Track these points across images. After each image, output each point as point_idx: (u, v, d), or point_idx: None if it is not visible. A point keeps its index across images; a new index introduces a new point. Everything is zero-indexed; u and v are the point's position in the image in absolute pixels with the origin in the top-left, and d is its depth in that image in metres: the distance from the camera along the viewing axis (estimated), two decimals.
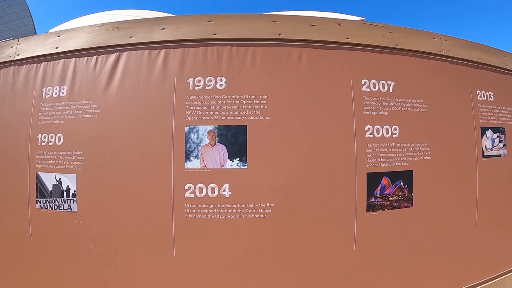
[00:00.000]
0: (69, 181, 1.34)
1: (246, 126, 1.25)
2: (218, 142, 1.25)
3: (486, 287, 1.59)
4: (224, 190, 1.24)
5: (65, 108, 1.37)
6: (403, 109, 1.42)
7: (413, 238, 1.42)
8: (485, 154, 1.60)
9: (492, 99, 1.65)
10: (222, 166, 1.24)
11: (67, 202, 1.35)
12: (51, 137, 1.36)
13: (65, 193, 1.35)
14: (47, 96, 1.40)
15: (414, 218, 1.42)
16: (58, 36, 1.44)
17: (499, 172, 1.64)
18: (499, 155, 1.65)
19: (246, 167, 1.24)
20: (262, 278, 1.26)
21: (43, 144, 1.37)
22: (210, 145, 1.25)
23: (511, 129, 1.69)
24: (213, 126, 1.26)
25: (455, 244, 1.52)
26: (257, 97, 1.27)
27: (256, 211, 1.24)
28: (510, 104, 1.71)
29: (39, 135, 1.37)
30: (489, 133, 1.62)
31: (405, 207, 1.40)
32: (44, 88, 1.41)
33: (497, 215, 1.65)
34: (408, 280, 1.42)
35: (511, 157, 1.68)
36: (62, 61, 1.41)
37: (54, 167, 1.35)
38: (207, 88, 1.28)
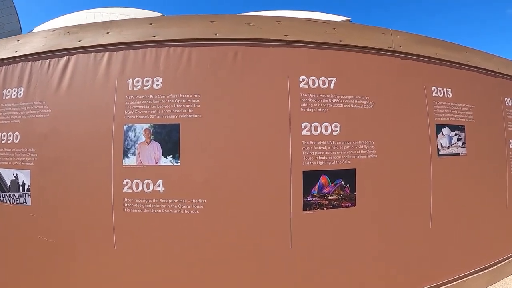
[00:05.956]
0: (24, 177, 1.44)
1: (179, 124, 1.29)
2: (153, 139, 1.30)
3: None
4: (159, 186, 1.28)
5: (22, 109, 1.47)
6: (345, 106, 1.40)
7: (356, 238, 1.40)
8: (440, 152, 1.54)
9: (450, 96, 1.59)
10: (157, 162, 1.29)
11: (23, 196, 1.44)
12: (10, 135, 1.47)
13: (21, 187, 1.45)
14: (7, 98, 1.50)
15: (357, 217, 1.40)
16: (18, 40, 1.54)
17: (457, 172, 1.58)
18: (458, 154, 1.59)
19: (179, 164, 1.28)
20: (194, 273, 1.29)
21: (2, 142, 1.47)
22: (146, 143, 1.30)
23: (472, 126, 1.62)
24: (149, 124, 1.30)
25: (407, 245, 1.48)
26: (191, 96, 1.30)
27: (189, 206, 1.27)
28: (471, 101, 1.63)
29: None
30: (445, 130, 1.56)
31: (346, 206, 1.38)
32: (5, 90, 1.51)
33: (456, 215, 1.58)
34: (351, 280, 1.40)
35: (472, 156, 1.61)
36: (20, 64, 1.51)
37: (12, 163, 1.45)
38: (144, 88, 1.33)
